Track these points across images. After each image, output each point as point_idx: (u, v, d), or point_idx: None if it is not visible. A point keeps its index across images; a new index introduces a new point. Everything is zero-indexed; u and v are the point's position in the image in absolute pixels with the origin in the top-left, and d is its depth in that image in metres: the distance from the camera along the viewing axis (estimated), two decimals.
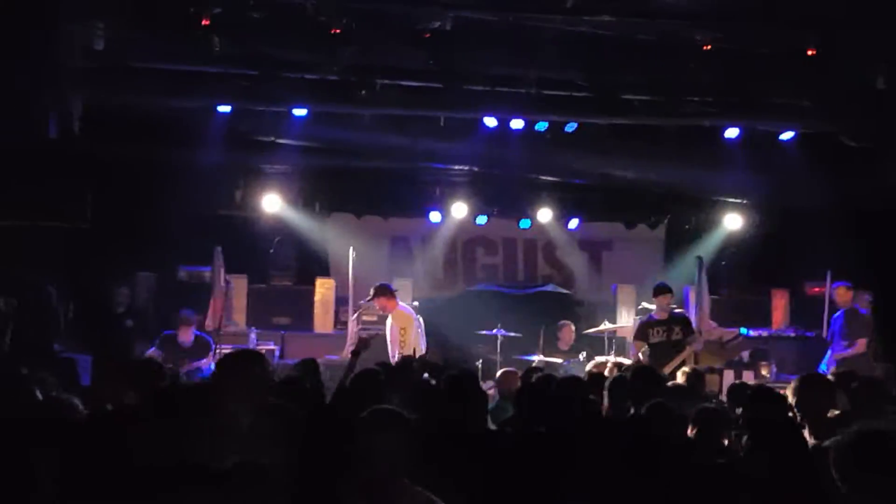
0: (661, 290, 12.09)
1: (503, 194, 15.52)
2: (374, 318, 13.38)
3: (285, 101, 12.56)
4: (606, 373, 9.74)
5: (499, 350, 13.56)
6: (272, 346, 13.63)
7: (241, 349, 10.30)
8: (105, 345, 11.26)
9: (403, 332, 11.70)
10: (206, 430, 4.83)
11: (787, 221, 14.76)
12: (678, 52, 11.87)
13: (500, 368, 12.42)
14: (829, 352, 12.16)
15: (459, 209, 15.36)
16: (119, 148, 12.02)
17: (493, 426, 7.14)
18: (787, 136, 13.21)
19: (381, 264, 15.95)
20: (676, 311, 12.36)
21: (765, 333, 14.17)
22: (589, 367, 12.72)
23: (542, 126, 13.37)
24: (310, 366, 8.34)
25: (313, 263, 15.69)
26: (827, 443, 4.90)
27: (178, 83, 12.06)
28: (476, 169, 14.84)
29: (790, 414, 6.25)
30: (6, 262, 10.55)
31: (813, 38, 11.42)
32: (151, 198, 13.10)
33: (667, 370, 10.57)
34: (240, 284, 14.62)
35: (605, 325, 13.71)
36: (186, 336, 12.34)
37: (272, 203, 14.96)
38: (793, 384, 6.47)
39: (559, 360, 13.33)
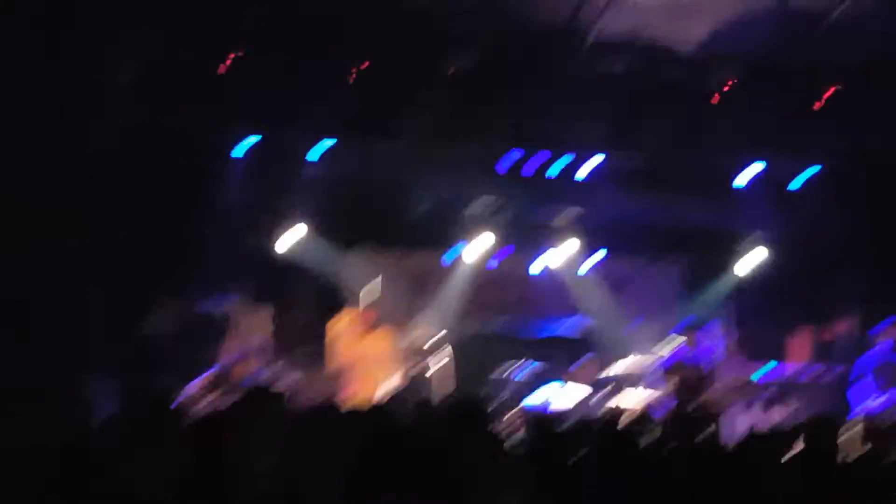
0: (692, 328, 12.18)
1: (522, 231, 15.56)
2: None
3: (308, 135, 12.69)
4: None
5: (514, 392, 13.54)
6: (295, 379, 13.66)
7: (257, 386, 10.38)
8: (131, 372, 11.33)
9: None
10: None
11: (807, 258, 14.78)
12: (695, 94, 11.98)
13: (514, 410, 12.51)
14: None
15: (478, 246, 15.38)
16: (143, 176, 12.13)
17: None
18: (804, 175, 13.27)
19: (401, 299, 16.01)
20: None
21: (789, 370, 14.13)
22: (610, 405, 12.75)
23: (561, 163, 13.44)
24: None
25: (335, 297, 15.75)
26: None
27: (203, 114, 12.20)
28: (495, 206, 14.91)
29: None
30: (32, 280, 10.63)
31: (829, 80, 11.52)
32: (174, 233, 13.20)
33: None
34: (262, 317, 14.69)
35: (623, 363, 13.69)
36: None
37: (294, 236, 15.05)
38: None
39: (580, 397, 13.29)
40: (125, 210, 11.75)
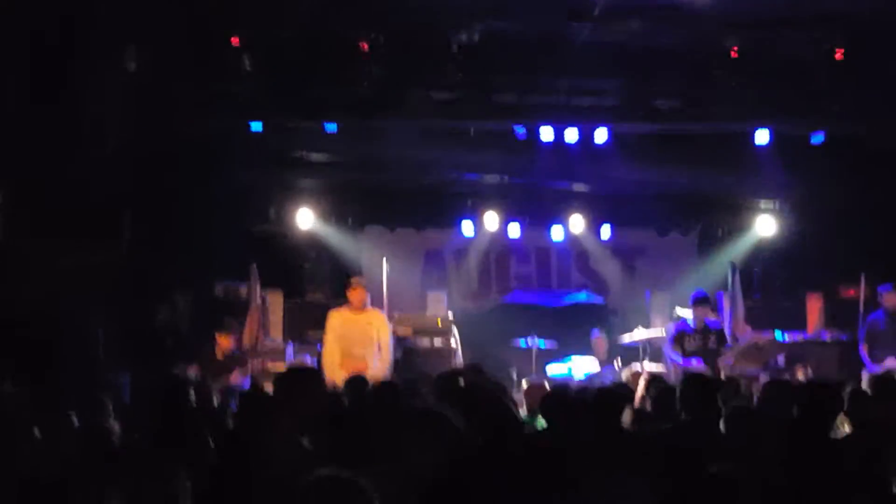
0: (700, 301, 12.14)
1: (535, 204, 15.54)
2: (409, 332, 13.47)
3: (316, 116, 12.67)
4: (641, 383, 9.66)
5: (534, 360, 13.59)
6: (308, 360, 13.70)
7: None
8: (144, 364, 11.35)
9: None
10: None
11: (819, 224, 14.75)
12: (707, 58, 11.91)
13: (535, 378, 12.56)
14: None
15: (492, 220, 15.37)
16: (152, 167, 12.12)
17: None
18: (817, 139, 13.19)
19: (414, 277, 16.06)
20: (711, 320, 12.38)
21: (800, 337, 14.11)
22: (624, 375, 12.78)
23: (572, 136, 13.41)
24: None
25: (348, 278, 15.77)
26: None
27: (210, 102, 12.19)
28: (507, 179, 14.89)
29: None
30: (43, 283, 10.65)
31: (841, 41, 11.43)
32: (187, 216, 13.20)
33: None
34: (275, 300, 14.72)
35: (639, 332, 13.71)
36: (228, 344, 12.31)
37: (306, 218, 15.07)
38: None
39: (596, 369, 13.35)
40: (133, 201, 11.76)
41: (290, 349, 13.84)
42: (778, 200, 15.27)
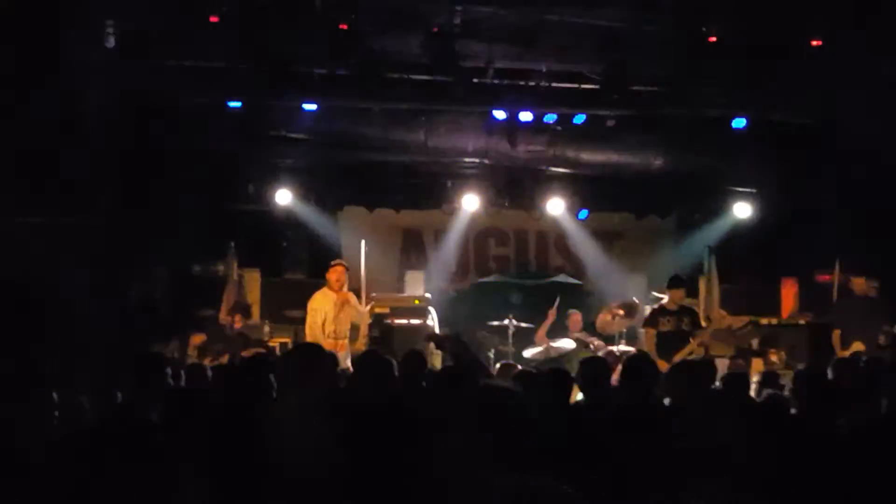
0: (675, 283, 12.23)
1: (514, 186, 15.58)
2: (387, 311, 13.52)
3: (295, 95, 12.68)
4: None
5: (511, 341, 13.65)
6: (286, 339, 13.74)
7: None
8: (120, 341, 11.35)
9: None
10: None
11: (795, 210, 14.86)
12: (685, 44, 11.95)
13: (512, 358, 12.60)
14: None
15: (470, 201, 15.41)
16: (130, 143, 12.09)
17: None
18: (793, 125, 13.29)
19: (393, 257, 16.10)
20: (687, 303, 12.48)
21: (774, 321, 14.24)
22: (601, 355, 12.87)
23: (550, 118, 13.48)
24: None
25: (326, 257, 15.79)
26: None
27: (189, 79, 12.17)
28: (486, 161, 14.93)
29: None
30: (21, 258, 10.64)
31: (818, 30, 11.48)
32: (164, 194, 13.19)
33: (675, 359, 10.71)
34: (253, 278, 14.74)
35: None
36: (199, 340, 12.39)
37: (284, 197, 15.05)
38: None
39: (569, 347, 13.35)
40: (111, 177, 11.74)
41: (266, 328, 13.86)
42: (754, 186, 15.35)
